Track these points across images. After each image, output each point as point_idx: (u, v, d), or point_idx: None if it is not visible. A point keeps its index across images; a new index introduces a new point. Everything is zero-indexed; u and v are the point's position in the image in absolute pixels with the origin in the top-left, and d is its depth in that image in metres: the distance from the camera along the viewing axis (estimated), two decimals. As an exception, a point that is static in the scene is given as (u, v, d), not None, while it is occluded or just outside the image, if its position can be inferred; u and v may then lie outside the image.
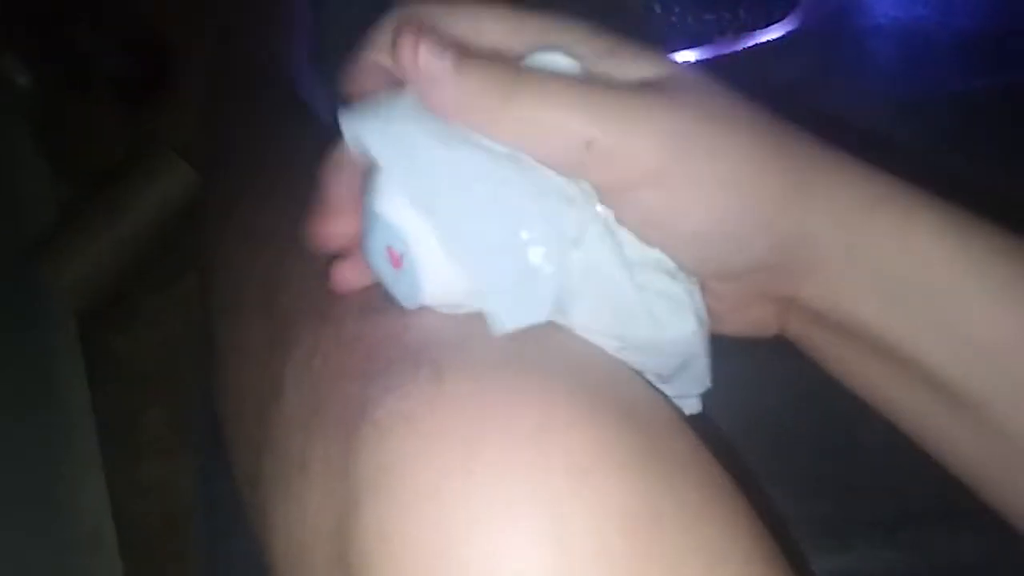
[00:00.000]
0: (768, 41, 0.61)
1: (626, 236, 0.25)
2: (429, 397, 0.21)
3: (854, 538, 0.42)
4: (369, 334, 0.24)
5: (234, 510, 0.47)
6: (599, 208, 0.25)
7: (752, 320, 0.29)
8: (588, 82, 0.24)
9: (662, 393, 0.26)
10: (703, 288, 0.27)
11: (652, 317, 0.25)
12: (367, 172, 0.25)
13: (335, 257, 0.27)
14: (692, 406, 0.29)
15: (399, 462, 0.20)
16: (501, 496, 0.19)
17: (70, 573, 0.45)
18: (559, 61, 0.25)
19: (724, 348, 0.29)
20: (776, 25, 0.61)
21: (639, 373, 0.26)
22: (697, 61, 0.61)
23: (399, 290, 0.25)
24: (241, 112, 0.48)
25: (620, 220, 0.25)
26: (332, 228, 0.26)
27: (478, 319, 0.24)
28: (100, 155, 0.58)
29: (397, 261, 0.24)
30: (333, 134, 0.27)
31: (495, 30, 0.25)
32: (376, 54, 0.26)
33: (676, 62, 0.26)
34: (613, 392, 0.23)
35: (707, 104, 0.25)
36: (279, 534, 0.24)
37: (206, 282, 0.37)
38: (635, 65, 0.25)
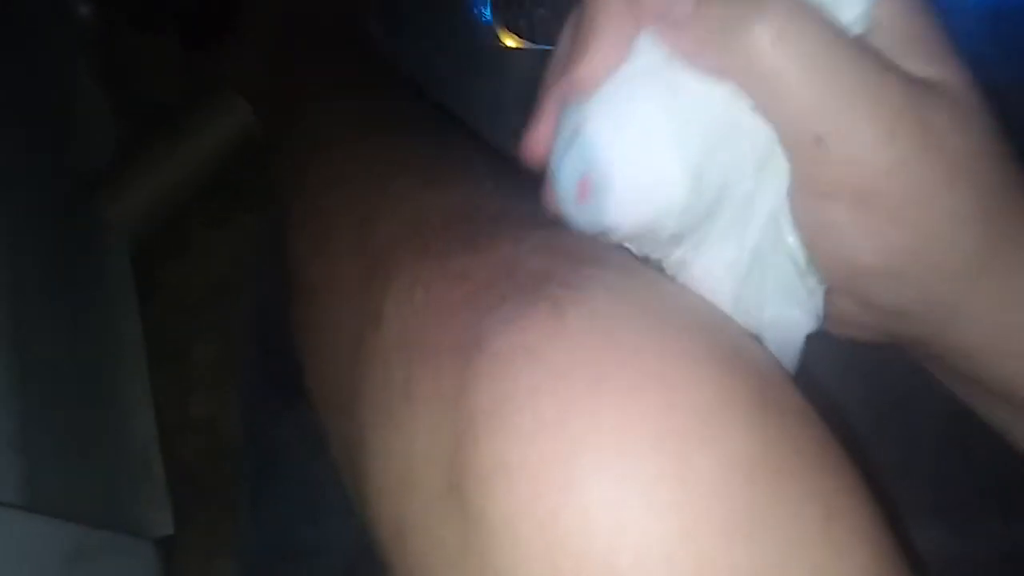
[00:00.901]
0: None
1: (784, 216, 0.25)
2: (551, 331, 0.20)
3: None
4: (476, 270, 0.23)
5: (280, 445, 0.47)
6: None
7: (862, 332, 0.29)
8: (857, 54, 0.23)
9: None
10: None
11: (760, 296, 0.25)
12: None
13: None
14: None
15: (521, 393, 0.19)
16: (626, 434, 0.18)
17: (118, 501, 0.45)
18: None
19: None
20: None
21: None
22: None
23: (581, 215, 0.25)
24: (319, 60, 0.47)
25: (793, 210, 0.24)
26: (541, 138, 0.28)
27: (596, 260, 0.23)
28: (160, 91, 0.57)
29: (587, 186, 0.24)
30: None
31: None
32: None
33: (963, 70, 0.25)
34: (730, 340, 0.22)
35: (968, 130, 0.24)
36: (379, 462, 0.23)
37: (289, 221, 0.37)
38: (925, 62, 0.24)
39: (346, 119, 0.40)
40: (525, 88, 0.59)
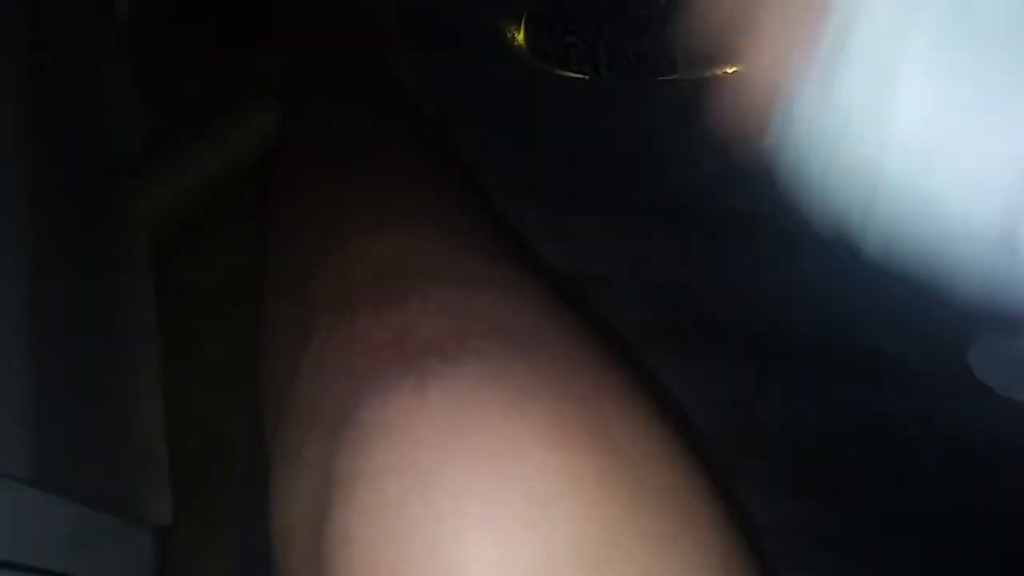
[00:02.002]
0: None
1: None
2: (409, 408, 0.22)
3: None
4: (375, 332, 0.25)
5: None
6: None
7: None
8: None
9: (680, 414, 0.27)
10: None
11: None
12: None
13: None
14: None
15: (372, 470, 0.21)
16: (457, 521, 0.20)
17: (121, 488, 0.45)
18: None
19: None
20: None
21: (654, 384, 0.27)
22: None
23: None
24: (327, 84, 0.49)
25: None
26: None
27: (492, 328, 0.25)
28: (193, 89, 0.58)
29: None
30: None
31: None
32: None
33: None
34: (596, 412, 0.23)
35: None
36: (275, 514, 0.26)
37: (266, 245, 0.39)
38: None
39: (331, 147, 0.41)
40: (553, 111, 0.60)
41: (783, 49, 0.24)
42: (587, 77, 0.60)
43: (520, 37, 0.60)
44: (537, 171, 0.59)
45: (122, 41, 0.60)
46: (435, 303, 0.26)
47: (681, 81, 0.60)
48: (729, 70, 0.63)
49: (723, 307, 0.54)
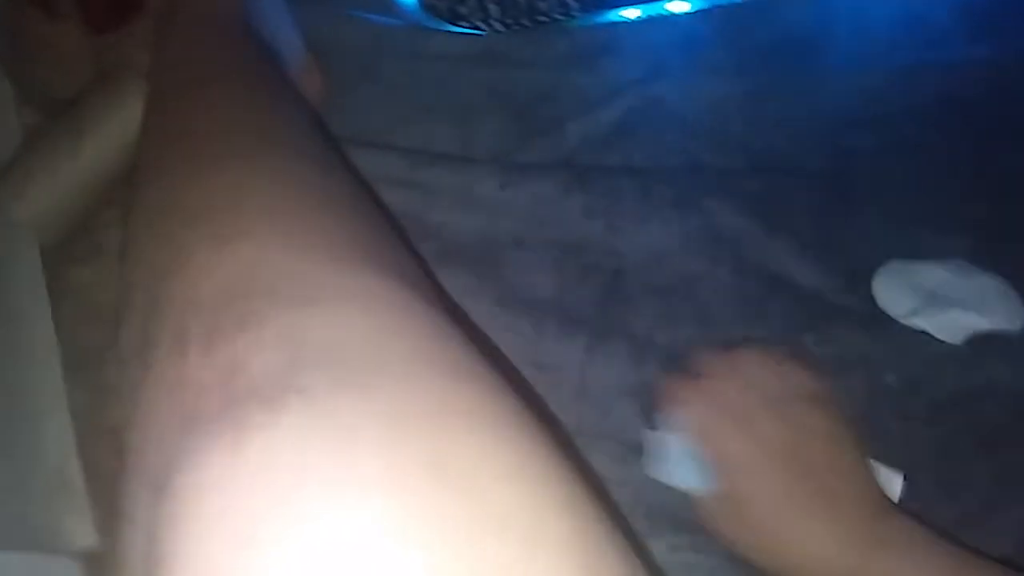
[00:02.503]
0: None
1: None
2: (223, 470, 0.21)
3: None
4: (203, 373, 0.24)
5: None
6: None
7: None
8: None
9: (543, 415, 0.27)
10: None
11: None
12: None
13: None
14: None
15: (186, 548, 0.20)
16: None
17: (34, 515, 0.44)
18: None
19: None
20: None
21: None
22: (690, 12, 0.60)
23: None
24: (190, 59, 0.46)
25: None
26: None
27: (327, 357, 0.24)
28: (67, 80, 0.55)
29: None
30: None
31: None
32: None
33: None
34: (434, 441, 0.22)
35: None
36: (116, 562, 0.24)
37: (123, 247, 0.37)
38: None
39: (183, 138, 0.38)
40: (447, 71, 0.58)
41: None
42: (481, 32, 0.58)
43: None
44: (433, 133, 0.57)
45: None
46: (272, 329, 0.24)
47: (575, 30, 0.59)
48: (620, 14, 0.62)
49: (624, 260, 0.54)
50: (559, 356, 0.50)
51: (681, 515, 0.46)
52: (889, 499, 0.43)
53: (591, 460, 0.47)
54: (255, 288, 0.26)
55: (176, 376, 0.24)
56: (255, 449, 0.21)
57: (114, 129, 0.51)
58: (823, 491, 0.42)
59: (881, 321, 0.53)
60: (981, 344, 0.52)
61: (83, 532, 0.45)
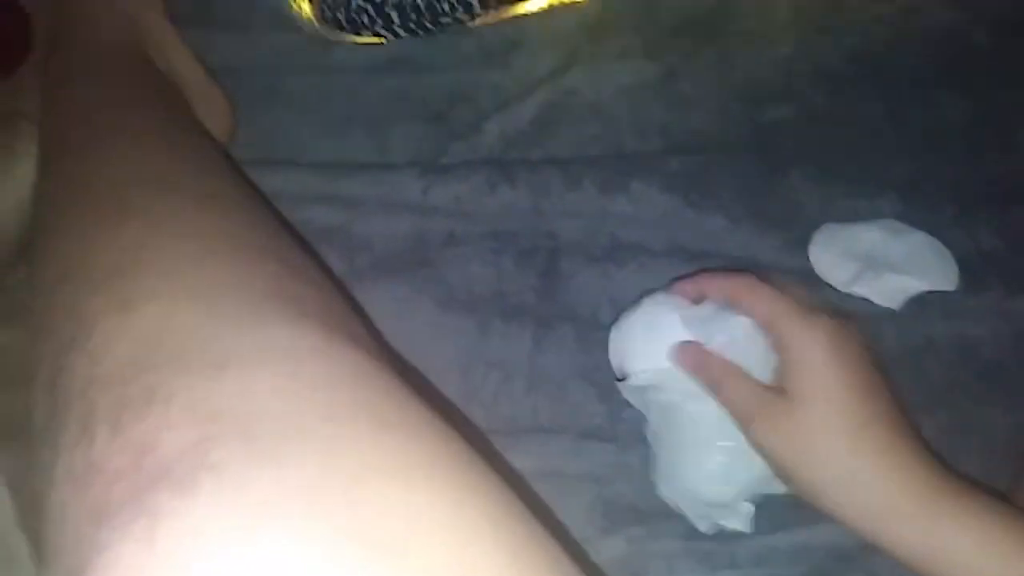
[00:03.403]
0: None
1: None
2: (137, 563, 0.20)
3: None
4: (112, 458, 0.23)
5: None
6: None
7: None
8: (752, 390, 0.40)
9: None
10: None
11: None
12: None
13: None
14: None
15: None
16: None
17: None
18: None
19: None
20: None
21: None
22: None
23: None
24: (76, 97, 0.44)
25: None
26: None
27: (238, 411, 0.23)
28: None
29: None
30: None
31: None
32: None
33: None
34: (353, 511, 0.21)
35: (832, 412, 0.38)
36: None
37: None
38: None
39: (81, 189, 0.36)
40: (349, 80, 0.57)
41: None
42: (384, 40, 0.56)
43: (306, 9, 0.56)
44: (348, 145, 0.56)
45: None
46: (180, 403, 0.23)
47: (480, 29, 0.58)
48: (523, 8, 0.61)
49: (558, 240, 0.53)
50: (507, 351, 0.50)
51: (639, 506, 0.46)
52: (949, 466, 0.39)
53: (548, 456, 0.46)
54: (162, 357, 0.25)
55: (84, 463, 0.23)
56: (169, 538, 0.20)
57: (8, 184, 0.49)
58: (895, 428, 0.38)
59: (819, 285, 0.53)
60: (919, 304, 0.53)
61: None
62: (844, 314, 0.40)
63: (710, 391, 0.41)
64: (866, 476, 0.37)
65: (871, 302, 0.53)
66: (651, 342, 0.44)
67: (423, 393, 0.27)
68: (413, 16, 0.55)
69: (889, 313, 0.52)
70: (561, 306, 0.51)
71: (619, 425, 0.48)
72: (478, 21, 0.57)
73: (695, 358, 0.42)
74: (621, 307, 0.50)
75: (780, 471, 0.39)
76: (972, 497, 0.37)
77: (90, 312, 0.28)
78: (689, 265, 0.53)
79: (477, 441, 0.26)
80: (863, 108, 0.59)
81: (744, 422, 0.40)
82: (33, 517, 0.45)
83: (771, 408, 0.38)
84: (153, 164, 0.38)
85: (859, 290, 0.53)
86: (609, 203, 0.55)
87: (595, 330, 0.50)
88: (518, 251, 0.53)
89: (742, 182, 0.56)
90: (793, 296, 0.41)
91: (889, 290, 0.53)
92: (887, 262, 0.53)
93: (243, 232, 0.35)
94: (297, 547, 0.19)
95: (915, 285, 0.53)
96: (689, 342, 0.42)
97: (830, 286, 0.53)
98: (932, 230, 0.55)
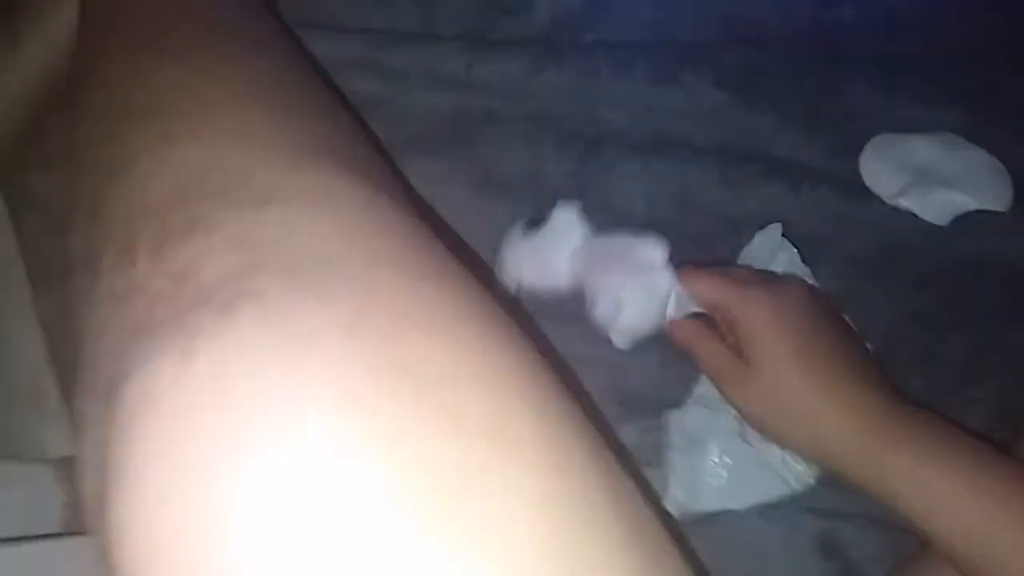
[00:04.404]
0: None
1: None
2: (174, 380, 0.20)
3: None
4: (153, 280, 0.23)
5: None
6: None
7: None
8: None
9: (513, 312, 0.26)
10: None
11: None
12: None
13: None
14: None
15: (137, 458, 0.19)
16: (227, 515, 0.18)
17: (10, 425, 0.44)
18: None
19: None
20: None
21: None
22: None
23: None
24: None
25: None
26: None
27: (284, 260, 0.22)
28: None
29: None
30: None
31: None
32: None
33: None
34: (394, 347, 0.21)
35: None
36: (79, 481, 0.23)
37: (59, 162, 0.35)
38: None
39: (122, 31, 0.36)
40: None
41: None
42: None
43: None
44: (394, 13, 0.54)
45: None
46: (223, 233, 0.23)
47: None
48: None
49: (601, 128, 0.52)
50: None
51: (654, 398, 0.47)
52: (904, 393, 0.42)
53: (567, 341, 0.46)
54: (205, 190, 0.25)
55: (125, 284, 0.23)
56: (206, 358, 0.20)
57: (52, 26, 0.48)
58: (840, 372, 0.41)
59: (865, 195, 0.52)
60: (967, 222, 0.51)
61: (58, 441, 0.45)
62: (787, 282, 0.43)
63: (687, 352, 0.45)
64: (818, 420, 0.40)
65: (916, 216, 0.51)
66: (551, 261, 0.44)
67: (462, 256, 0.27)
68: None
69: (934, 227, 0.51)
70: (598, 195, 0.50)
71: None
72: None
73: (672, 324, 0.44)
74: (657, 202, 0.49)
75: (751, 423, 0.43)
76: (924, 426, 0.40)
77: (132, 146, 0.28)
78: (733, 165, 0.51)
79: (510, 307, 0.26)
80: (934, 13, 0.56)
81: (717, 383, 0.44)
82: (66, 357, 0.47)
83: (736, 372, 0.42)
84: (200, 8, 0.37)
85: (905, 203, 0.51)
86: (659, 94, 0.53)
87: (629, 222, 0.49)
88: (559, 136, 0.52)
89: (798, 81, 0.54)
90: (734, 277, 0.43)
91: (936, 205, 0.51)
92: (939, 177, 0.52)
93: (290, 83, 0.34)
94: (336, 377, 0.19)
95: (964, 202, 0.51)
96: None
97: (877, 197, 0.51)
98: (992, 147, 0.53)
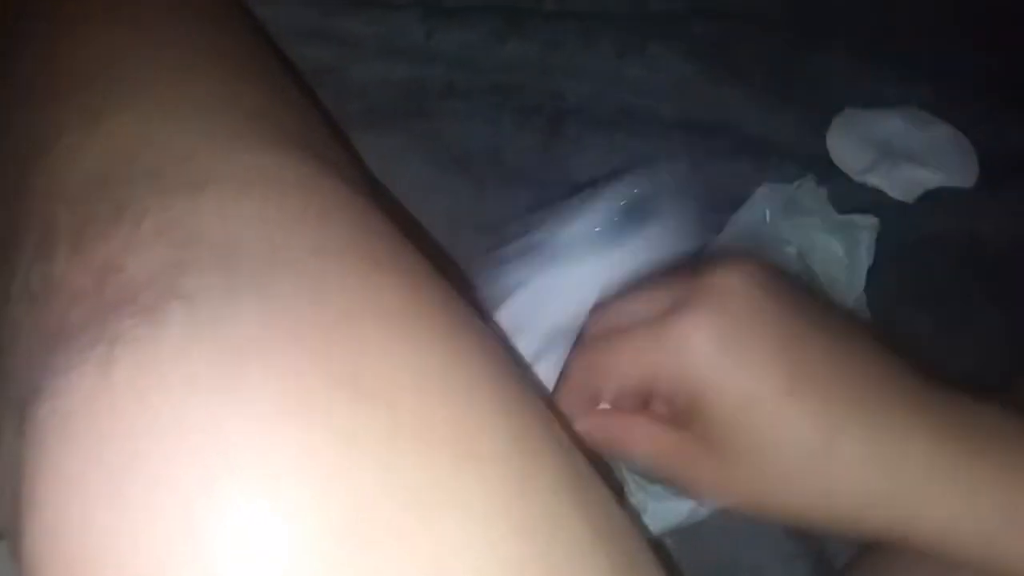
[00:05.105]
0: None
1: None
2: (92, 394, 0.17)
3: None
4: (73, 277, 0.20)
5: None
6: None
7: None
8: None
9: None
10: None
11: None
12: None
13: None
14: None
15: (53, 482, 0.17)
16: (149, 534, 0.16)
17: None
18: None
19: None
20: None
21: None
22: None
23: None
24: None
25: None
26: None
27: (218, 234, 0.20)
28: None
29: None
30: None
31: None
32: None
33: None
34: (341, 354, 0.19)
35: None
36: None
37: None
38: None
39: None
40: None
41: None
42: None
43: None
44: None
45: None
46: (151, 223, 0.20)
47: None
48: None
49: (564, 102, 0.51)
50: (500, 215, 0.47)
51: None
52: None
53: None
54: (134, 171, 0.22)
55: (41, 281, 0.21)
56: (129, 367, 0.17)
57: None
58: (853, 378, 0.29)
59: (833, 172, 0.51)
60: (933, 198, 0.51)
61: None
62: (718, 274, 0.29)
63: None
64: (844, 461, 0.28)
65: (883, 193, 0.51)
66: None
67: (421, 243, 0.25)
68: None
69: (902, 205, 0.51)
70: (560, 171, 0.49)
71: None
72: None
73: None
74: (622, 177, 0.48)
75: (745, 509, 0.31)
76: (930, 395, 0.30)
77: (54, 123, 0.25)
78: (700, 138, 0.50)
79: (471, 296, 0.24)
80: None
81: (677, 477, 0.31)
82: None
83: (695, 449, 0.30)
84: None
85: (872, 180, 0.50)
86: (624, 66, 0.52)
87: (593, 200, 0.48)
88: (521, 108, 0.50)
89: (768, 54, 0.53)
90: (620, 327, 0.31)
91: (903, 181, 0.51)
92: (906, 152, 0.51)
93: (232, 49, 0.31)
94: (278, 392, 0.17)
95: (931, 179, 0.51)
96: None
97: (844, 175, 0.51)
98: (959, 124, 0.52)
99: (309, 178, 0.24)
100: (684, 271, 0.30)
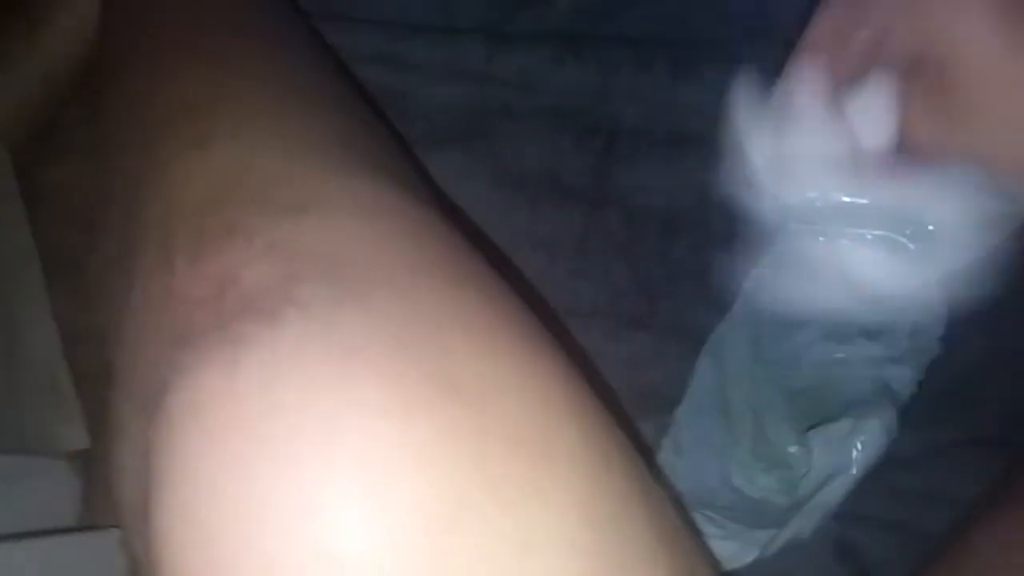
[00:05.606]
0: None
1: None
2: (219, 388, 0.20)
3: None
4: (192, 287, 0.22)
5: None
6: None
7: None
8: None
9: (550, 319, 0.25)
10: None
11: None
12: None
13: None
14: None
15: (182, 464, 0.19)
16: (273, 514, 0.18)
17: (26, 419, 0.44)
18: None
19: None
20: None
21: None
22: None
23: None
24: None
25: None
26: None
27: (322, 252, 0.22)
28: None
29: None
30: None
31: None
32: None
33: None
34: (437, 355, 0.21)
35: None
36: (115, 487, 0.24)
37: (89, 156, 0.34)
38: None
39: (151, 29, 0.36)
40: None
41: None
42: None
43: None
44: (410, 4, 0.54)
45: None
46: (262, 240, 0.23)
47: None
48: None
49: (620, 124, 0.52)
50: (556, 233, 0.49)
51: (670, 396, 0.47)
52: None
53: (586, 338, 0.46)
54: (243, 194, 0.25)
55: (163, 290, 0.23)
56: (254, 365, 0.20)
57: (69, 18, 0.48)
58: None
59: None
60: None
61: (73, 435, 0.45)
62: None
63: None
64: None
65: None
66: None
67: (489, 254, 0.27)
68: None
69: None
70: (615, 191, 0.50)
71: (657, 316, 0.48)
72: None
73: None
74: (675, 197, 0.49)
75: (994, 164, 0.31)
76: None
77: (164, 147, 0.28)
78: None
79: (543, 310, 0.26)
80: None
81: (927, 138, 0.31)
82: (79, 350, 0.47)
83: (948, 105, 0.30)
84: (226, 5, 0.37)
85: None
86: (679, 89, 0.52)
87: (646, 219, 0.49)
88: (578, 130, 0.51)
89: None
90: None
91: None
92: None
93: (317, 81, 0.34)
94: (385, 391, 0.19)
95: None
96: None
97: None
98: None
99: (398, 204, 0.26)
100: None
